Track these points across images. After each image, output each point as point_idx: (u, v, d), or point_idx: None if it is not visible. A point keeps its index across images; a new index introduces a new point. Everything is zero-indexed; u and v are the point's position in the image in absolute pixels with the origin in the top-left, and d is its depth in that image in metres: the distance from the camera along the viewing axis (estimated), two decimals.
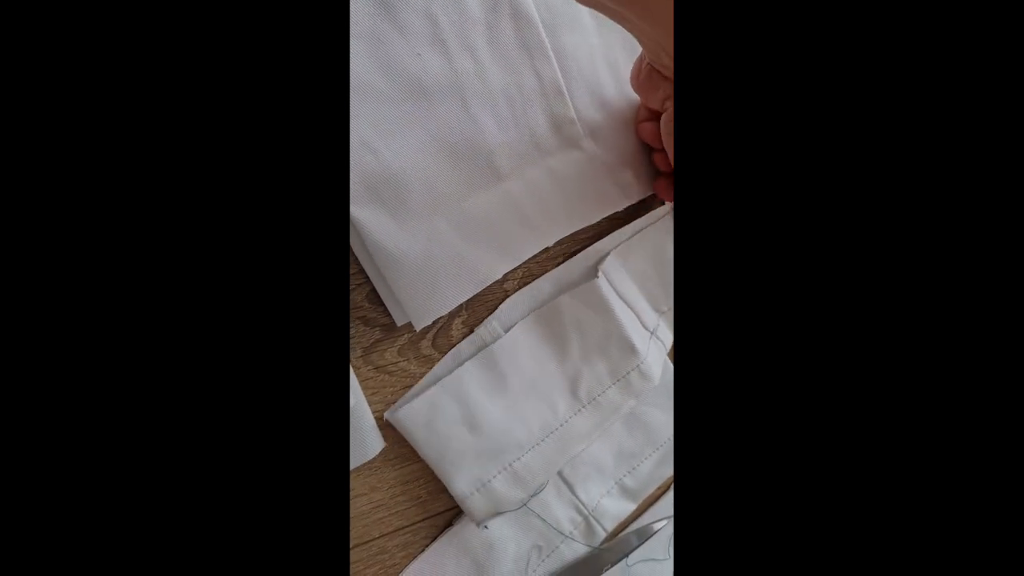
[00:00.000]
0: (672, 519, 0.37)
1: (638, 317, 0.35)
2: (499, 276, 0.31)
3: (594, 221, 0.34)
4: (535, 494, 0.32)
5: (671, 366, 0.37)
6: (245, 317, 0.16)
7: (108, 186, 0.15)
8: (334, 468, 0.16)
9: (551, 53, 0.32)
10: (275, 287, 0.16)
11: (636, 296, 0.35)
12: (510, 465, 0.31)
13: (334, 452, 0.16)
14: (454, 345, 0.32)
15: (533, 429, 0.32)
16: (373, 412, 0.29)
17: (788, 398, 0.16)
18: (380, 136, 0.29)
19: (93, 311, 0.15)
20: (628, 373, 0.33)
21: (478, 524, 0.31)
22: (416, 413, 0.30)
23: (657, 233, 0.36)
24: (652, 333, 0.35)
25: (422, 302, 0.29)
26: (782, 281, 0.17)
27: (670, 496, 0.38)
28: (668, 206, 0.36)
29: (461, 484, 0.31)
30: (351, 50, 0.28)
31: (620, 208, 0.35)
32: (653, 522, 0.36)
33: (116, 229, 0.15)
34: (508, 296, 0.33)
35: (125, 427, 0.15)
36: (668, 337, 0.37)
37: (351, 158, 0.28)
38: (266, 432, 0.16)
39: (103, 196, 0.15)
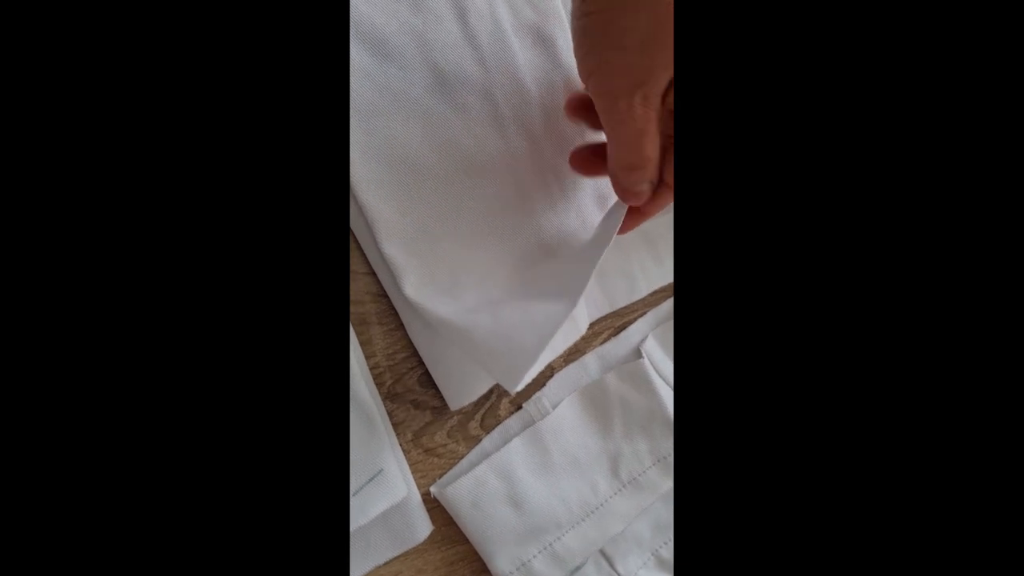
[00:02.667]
0: None
1: None
2: (566, 316, 0.28)
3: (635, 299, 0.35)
4: (573, 573, 0.32)
5: None
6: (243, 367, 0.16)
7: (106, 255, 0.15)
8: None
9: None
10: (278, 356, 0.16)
11: None
12: (550, 545, 0.32)
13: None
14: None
15: (573, 508, 0.32)
16: (421, 493, 0.29)
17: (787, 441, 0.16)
18: (436, 219, 0.29)
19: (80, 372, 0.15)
20: (668, 455, 0.34)
21: None
22: (463, 491, 0.30)
23: None
24: None
25: (507, 361, 0.26)
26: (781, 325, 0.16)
27: None
28: None
29: (502, 564, 0.31)
30: (408, 131, 0.28)
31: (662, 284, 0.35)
32: None
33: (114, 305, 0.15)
34: (555, 374, 0.33)
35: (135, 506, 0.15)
36: None
37: (410, 243, 0.28)
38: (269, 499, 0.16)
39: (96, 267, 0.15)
